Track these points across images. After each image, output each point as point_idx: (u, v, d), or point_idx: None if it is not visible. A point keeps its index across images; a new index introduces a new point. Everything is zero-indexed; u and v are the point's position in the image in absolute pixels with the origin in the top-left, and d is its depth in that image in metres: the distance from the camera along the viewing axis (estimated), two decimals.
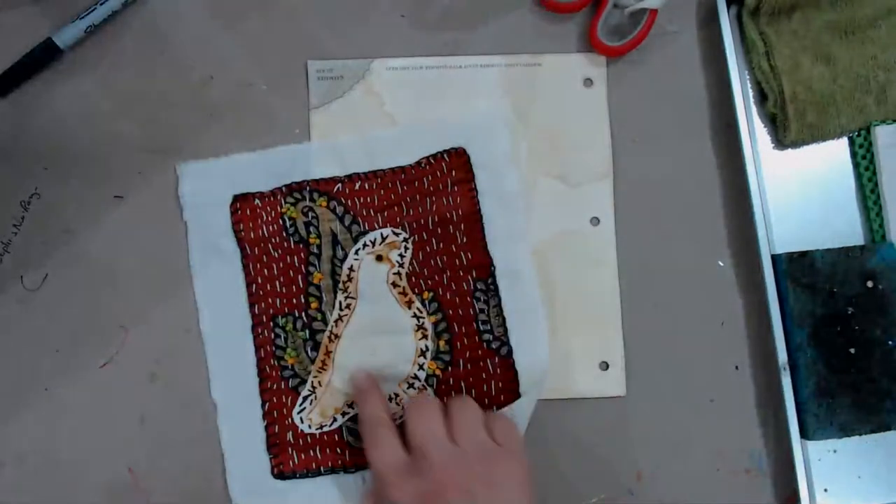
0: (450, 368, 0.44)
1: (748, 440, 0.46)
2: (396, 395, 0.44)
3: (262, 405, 0.44)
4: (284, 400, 0.44)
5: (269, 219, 0.45)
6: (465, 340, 0.44)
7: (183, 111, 0.45)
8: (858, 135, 0.47)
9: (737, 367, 0.46)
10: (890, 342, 0.44)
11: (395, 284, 0.44)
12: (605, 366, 0.45)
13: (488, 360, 0.44)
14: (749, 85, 0.48)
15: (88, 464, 0.43)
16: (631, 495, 0.45)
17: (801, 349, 0.44)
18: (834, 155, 0.48)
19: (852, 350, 0.44)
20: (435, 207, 0.45)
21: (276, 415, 0.44)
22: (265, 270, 0.44)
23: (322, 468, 0.43)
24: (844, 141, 0.48)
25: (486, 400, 0.44)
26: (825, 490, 0.45)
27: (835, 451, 0.45)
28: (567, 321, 0.46)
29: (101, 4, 0.44)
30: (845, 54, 0.47)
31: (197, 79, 0.45)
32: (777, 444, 0.46)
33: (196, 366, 0.44)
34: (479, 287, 0.45)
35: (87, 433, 0.43)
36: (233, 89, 0.45)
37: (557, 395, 0.45)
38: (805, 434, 0.44)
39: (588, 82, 0.47)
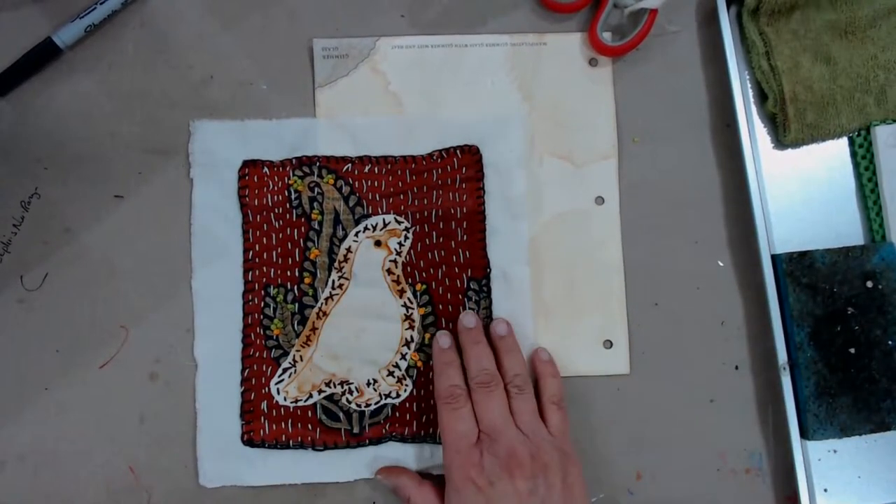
0: (431, 362, 0.44)
1: (748, 440, 0.46)
2: (375, 380, 0.44)
3: (242, 371, 0.44)
4: (264, 369, 0.44)
5: (276, 189, 0.45)
6: None
7: (183, 111, 0.45)
8: (858, 135, 0.47)
9: (737, 367, 0.46)
10: (890, 342, 0.44)
11: (389, 272, 0.45)
12: (608, 344, 0.45)
13: None
14: (749, 85, 0.48)
15: (89, 463, 0.43)
16: (631, 495, 0.45)
17: (801, 349, 0.44)
18: (834, 155, 0.48)
19: (852, 350, 0.44)
20: (440, 201, 0.45)
21: (253, 382, 0.44)
22: (264, 239, 0.44)
23: (291, 442, 0.43)
24: (844, 141, 0.48)
25: None
26: (825, 490, 0.45)
27: (835, 451, 0.45)
28: (572, 300, 0.46)
29: (101, 4, 0.44)
30: (845, 54, 0.47)
31: (197, 78, 0.45)
32: (777, 444, 0.46)
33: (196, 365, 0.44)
34: (472, 286, 0.45)
35: (88, 433, 0.43)
36: (233, 89, 0.45)
37: (561, 373, 0.45)
38: (805, 434, 0.44)
39: (593, 61, 0.47)
